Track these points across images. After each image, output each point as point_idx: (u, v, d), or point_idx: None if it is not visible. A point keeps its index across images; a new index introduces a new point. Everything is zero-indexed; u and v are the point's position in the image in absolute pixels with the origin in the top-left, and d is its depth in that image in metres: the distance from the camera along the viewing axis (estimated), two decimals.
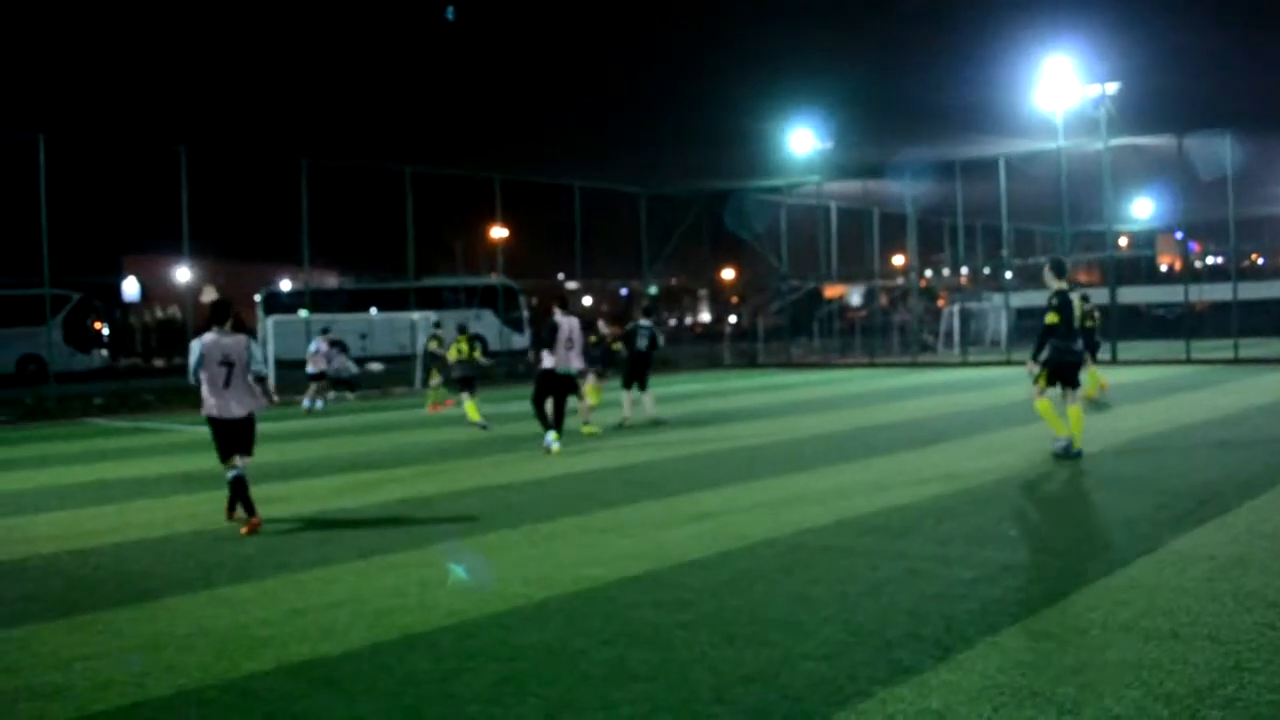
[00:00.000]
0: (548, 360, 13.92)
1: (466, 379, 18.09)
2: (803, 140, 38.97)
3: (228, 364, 9.07)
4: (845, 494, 9.77)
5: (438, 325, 22.86)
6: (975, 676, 4.66)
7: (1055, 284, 11.53)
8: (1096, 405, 17.73)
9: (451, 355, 18.71)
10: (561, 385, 14.03)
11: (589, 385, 22.59)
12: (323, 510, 9.96)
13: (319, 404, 25.05)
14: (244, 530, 8.86)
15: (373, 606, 6.29)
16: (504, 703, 4.59)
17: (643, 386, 17.26)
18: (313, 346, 26.02)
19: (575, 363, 14.20)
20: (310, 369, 25.33)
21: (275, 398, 10.28)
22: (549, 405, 14.00)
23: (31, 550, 8.44)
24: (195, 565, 7.64)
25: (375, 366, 26.77)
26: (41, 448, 17.49)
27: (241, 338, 9.28)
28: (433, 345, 23.47)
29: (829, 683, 4.67)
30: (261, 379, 9.38)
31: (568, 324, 14.04)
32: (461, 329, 19.58)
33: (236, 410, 9.14)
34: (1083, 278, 58.93)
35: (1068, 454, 11.44)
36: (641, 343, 17.52)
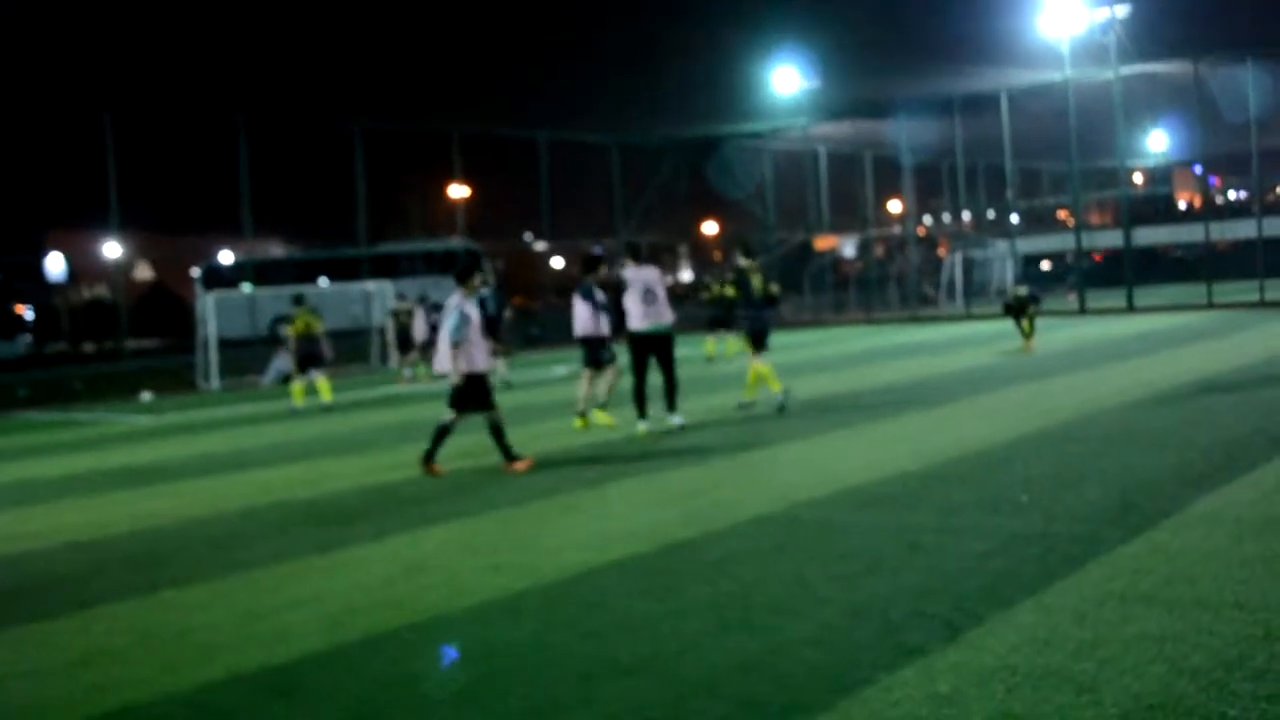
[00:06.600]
0: (631, 322, 12.64)
1: (311, 356, 18.59)
2: (787, 79, 38.68)
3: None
4: (842, 463, 9.81)
5: (298, 301, 20.56)
6: (986, 656, 4.70)
7: (742, 262, 14.26)
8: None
9: (295, 330, 18.73)
10: (651, 346, 12.66)
11: (713, 342, 23.52)
12: (279, 501, 9.94)
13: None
14: (518, 467, 10.62)
15: (333, 606, 6.29)
16: (481, 704, 4.60)
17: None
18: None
19: (661, 318, 12.64)
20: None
21: (477, 362, 10.78)
22: (650, 377, 12.78)
23: None
24: (136, 568, 7.62)
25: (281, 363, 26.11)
26: None
27: (450, 304, 10.71)
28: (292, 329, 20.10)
29: (828, 669, 4.70)
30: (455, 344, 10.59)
31: (638, 276, 12.65)
32: (298, 300, 19.33)
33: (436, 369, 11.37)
34: (1094, 219, 59.23)
35: (782, 408, 13.82)
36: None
